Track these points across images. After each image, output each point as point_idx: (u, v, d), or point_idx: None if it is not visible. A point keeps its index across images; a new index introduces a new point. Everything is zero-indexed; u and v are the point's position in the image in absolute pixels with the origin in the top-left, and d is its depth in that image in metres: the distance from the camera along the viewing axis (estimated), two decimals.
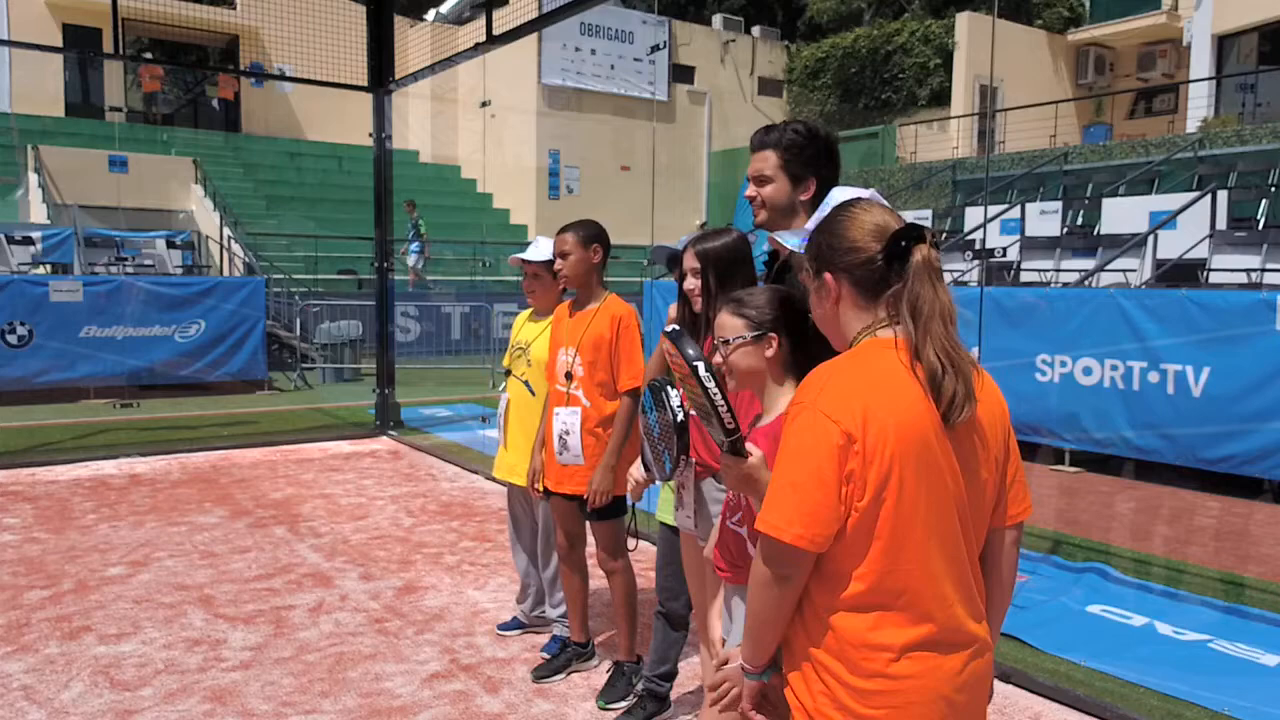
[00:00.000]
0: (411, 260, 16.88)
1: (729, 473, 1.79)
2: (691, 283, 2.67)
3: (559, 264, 3.53)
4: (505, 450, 3.97)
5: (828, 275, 1.62)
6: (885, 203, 2.03)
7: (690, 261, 2.68)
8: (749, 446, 1.77)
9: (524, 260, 3.83)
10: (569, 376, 3.52)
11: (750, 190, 2.46)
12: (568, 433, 3.48)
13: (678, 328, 1.84)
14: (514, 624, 4.18)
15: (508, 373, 3.98)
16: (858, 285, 1.60)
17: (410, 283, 16.89)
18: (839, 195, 2.05)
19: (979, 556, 1.66)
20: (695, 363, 1.73)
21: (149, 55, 18.88)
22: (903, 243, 1.56)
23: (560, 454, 3.51)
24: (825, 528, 1.50)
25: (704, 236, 2.71)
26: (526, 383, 3.86)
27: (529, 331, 3.93)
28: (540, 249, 3.80)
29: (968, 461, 1.58)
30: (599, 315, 3.49)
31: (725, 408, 1.72)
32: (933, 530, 1.53)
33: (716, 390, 1.71)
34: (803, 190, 2.38)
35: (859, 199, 1.73)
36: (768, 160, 2.40)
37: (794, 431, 1.53)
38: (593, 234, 3.54)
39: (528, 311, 4.06)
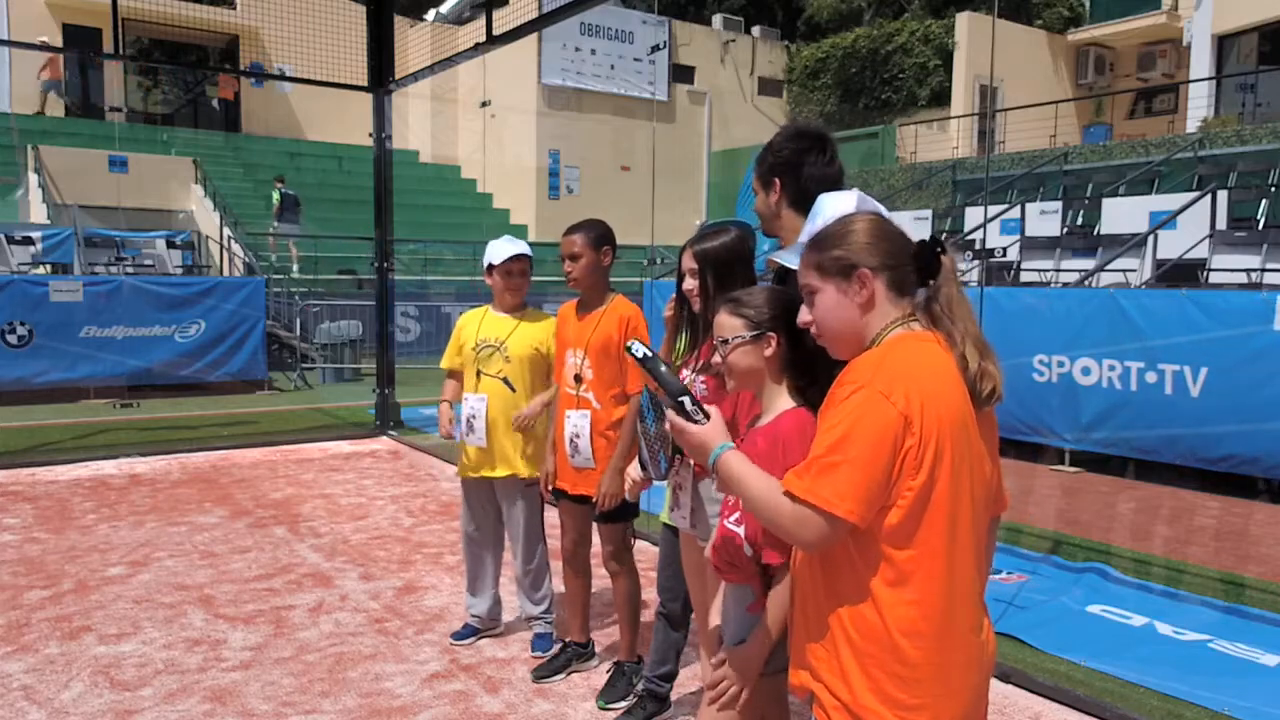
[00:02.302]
0: (286, 232, 17.19)
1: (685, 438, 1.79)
2: (690, 283, 2.67)
3: (568, 265, 3.47)
4: (482, 450, 3.82)
5: (864, 271, 1.67)
6: (874, 203, 2.04)
7: (689, 262, 2.68)
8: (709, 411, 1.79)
9: (517, 257, 3.80)
10: (578, 379, 3.48)
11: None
12: (578, 436, 3.46)
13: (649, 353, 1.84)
14: (468, 632, 4.06)
15: (478, 373, 3.84)
16: (891, 284, 1.69)
17: (295, 261, 17.05)
18: (828, 198, 2.07)
19: None
20: (681, 398, 1.76)
21: (46, 44, 18.38)
22: (937, 249, 1.69)
23: (572, 457, 3.49)
24: (874, 505, 1.54)
25: (703, 236, 2.71)
26: (506, 380, 3.79)
27: (498, 328, 3.84)
28: (516, 246, 3.80)
29: (983, 461, 1.67)
30: (606, 317, 3.46)
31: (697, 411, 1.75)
32: (972, 513, 1.61)
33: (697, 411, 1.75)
34: (771, 194, 2.47)
35: (869, 214, 1.80)
36: (753, 179, 2.54)
37: (850, 409, 1.56)
38: (603, 234, 3.49)
39: (481, 310, 3.97)
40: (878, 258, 1.68)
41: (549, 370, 3.82)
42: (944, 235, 14.47)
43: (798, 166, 2.42)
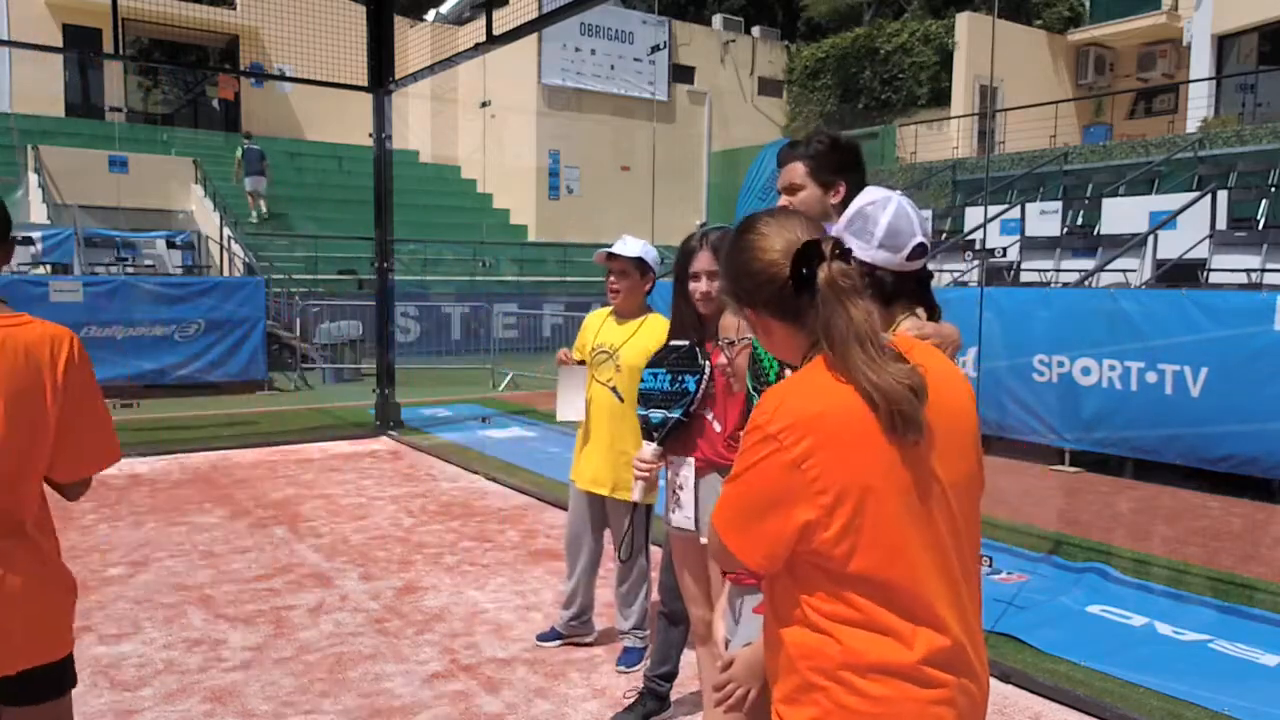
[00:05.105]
0: (250, 186, 17.64)
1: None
2: (706, 285, 2.65)
3: None
4: (581, 456, 3.79)
5: (749, 312, 1.51)
6: (911, 207, 1.97)
7: (705, 263, 2.66)
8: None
9: (611, 255, 3.60)
10: None
11: (783, 201, 2.52)
12: None
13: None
14: (552, 635, 4.05)
15: (592, 379, 3.73)
16: (780, 314, 1.47)
17: (253, 208, 17.65)
18: (870, 194, 2.06)
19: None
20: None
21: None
22: (804, 270, 1.40)
23: None
24: (765, 554, 1.43)
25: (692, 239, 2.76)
26: (614, 389, 3.64)
27: (615, 335, 3.68)
28: (628, 245, 3.61)
29: (953, 465, 1.47)
30: None
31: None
32: (924, 548, 1.42)
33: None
34: (832, 194, 2.44)
35: (765, 217, 1.55)
36: (796, 170, 2.47)
37: (744, 452, 1.44)
38: None
39: (605, 311, 3.81)
40: (755, 294, 1.47)
41: None
42: (941, 234, 14.25)
43: (862, 173, 2.44)
